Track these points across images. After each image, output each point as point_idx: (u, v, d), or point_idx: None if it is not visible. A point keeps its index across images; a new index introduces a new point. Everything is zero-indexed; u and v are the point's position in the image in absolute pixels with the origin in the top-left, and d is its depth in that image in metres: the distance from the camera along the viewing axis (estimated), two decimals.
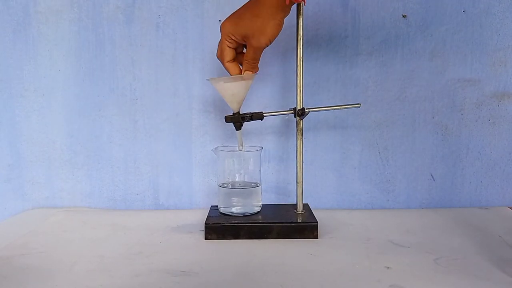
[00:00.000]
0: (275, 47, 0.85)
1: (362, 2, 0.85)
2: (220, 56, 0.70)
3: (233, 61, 0.70)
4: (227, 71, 0.71)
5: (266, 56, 0.86)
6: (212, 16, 0.86)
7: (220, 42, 0.69)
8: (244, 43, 0.68)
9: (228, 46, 0.68)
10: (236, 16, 0.67)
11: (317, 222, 0.71)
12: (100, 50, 0.87)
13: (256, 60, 0.69)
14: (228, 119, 0.75)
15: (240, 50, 0.72)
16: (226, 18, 0.68)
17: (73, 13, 0.86)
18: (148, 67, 0.88)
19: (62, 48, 0.87)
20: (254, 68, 0.70)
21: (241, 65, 0.71)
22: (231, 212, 0.75)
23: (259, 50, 0.68)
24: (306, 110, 0.73)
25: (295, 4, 0.69)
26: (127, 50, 0.87)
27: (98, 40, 0.87)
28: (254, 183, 0.76)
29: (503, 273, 0.57)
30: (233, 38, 0.67)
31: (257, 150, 0.77)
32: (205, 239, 0.71)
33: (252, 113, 0.75)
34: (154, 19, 0.87)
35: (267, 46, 0.67)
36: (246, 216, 0.75)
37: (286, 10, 0.65)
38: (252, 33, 0.65)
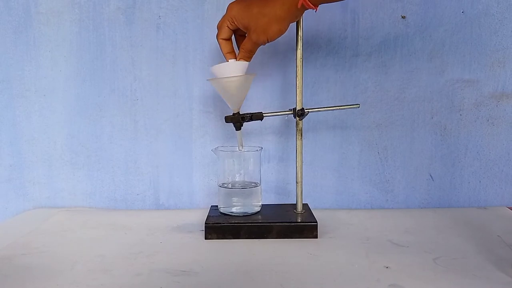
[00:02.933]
0: (275, 47, 0.85)
1: (361, 3, 0.85)
2: (217, 32, 0.70)
3: (227, 40, 0.70)
4: (219, 46, 0.71)
5: (266, 57, 0.86)
6: (212, 16, 0.86)
7: (222, 20, 0.69)
8: (244, 31, 0.68)
9: (228, 27, 0.69)
10: (246, 5, 0.67)
11: (316, 222, 0.72)
12: (100, 50, 0.88)
13: (252, 52, 0.69)
14: (228, 119, 0.75)
15: (241, 33, 0.71)
16: (236, 0, 0.68)
17: (74, 14, 0.87)
18: (148, 67, 0.88)
19: (63, 48, 0.88)
20: (249, 58, 0.70)
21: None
22: (231, 212, 0.76)
23: (257, 45, 0.68)
24: (305, 111, 0.74)
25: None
26: (127, 51, 0.88)
27: (98, 41, 0.88)
28: (254, 183, 0.77)
29: (502, 272, 0.58)
30: (235, 22, 0.68)
31: (257, 150, 0.77)
32: (205, 239, 0.72)
33: (252, 113, 0.75)
34: (154, 20, 0.87)
35: (265, 44, 0.67)
36: (246, 216, 0.75)
37: (294, 16, 0.66)
38: (254, 29, 0.65)
